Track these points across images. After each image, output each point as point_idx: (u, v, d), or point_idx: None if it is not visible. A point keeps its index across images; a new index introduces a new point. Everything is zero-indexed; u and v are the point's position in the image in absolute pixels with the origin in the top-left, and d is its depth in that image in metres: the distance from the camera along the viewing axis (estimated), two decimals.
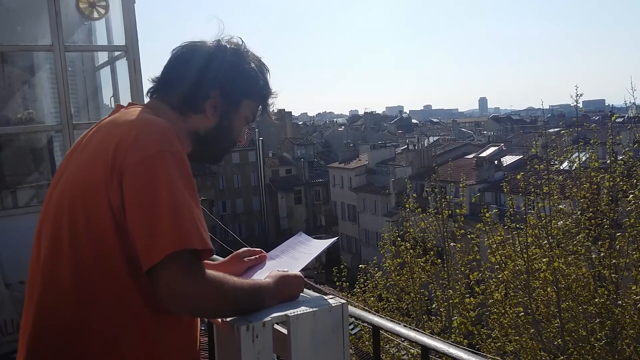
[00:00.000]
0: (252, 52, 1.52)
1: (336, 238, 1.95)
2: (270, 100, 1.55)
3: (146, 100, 1.54)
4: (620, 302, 8.76)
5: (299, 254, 1.62)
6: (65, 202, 1.33)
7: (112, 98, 4.41)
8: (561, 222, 9.66)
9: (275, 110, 1.59)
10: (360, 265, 14.61)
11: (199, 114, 1.47)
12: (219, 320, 1.40)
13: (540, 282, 9.42)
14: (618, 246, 9.10)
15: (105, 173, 1.27)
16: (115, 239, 1.26)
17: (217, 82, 1.46)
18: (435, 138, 51.47)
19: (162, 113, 1.44)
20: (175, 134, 1.34)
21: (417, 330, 2.04)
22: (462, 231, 12.11)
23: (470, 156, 36.52)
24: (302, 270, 1.52)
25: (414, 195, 14.47)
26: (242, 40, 1.52)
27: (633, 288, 8.91)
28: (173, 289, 1.21)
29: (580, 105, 10.97)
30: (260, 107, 1.56)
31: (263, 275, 1.48)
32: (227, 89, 1.47)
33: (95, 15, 4.05)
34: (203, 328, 1.99)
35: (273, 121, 1.67)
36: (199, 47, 1.49)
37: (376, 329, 1.89)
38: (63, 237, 1.31)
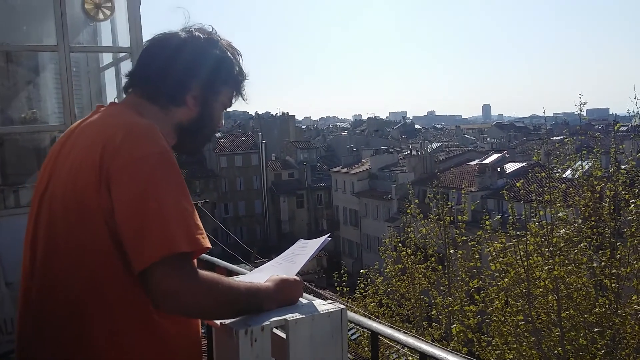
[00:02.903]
0: (224, 39, 1.52)
1: (328, 235, 1.93)
2: (243, 85, 1.57)
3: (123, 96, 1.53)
4: (620, 311, 8.74)
5: (296, 257, 1.63)
6: (58, 209, 1.33)
7: (116, 99, 4.41)
8: (563, 230, 9.65)
9: (247, 93, 1.59)
10: (361, 270, 14.61)
11: (181, 107, 1.48)
12: (217, 322, 1.40)
13: (541, 290, 9.40)
14: (619, 255, 9.07)
15: (94, 178, 1.27)
16: (109, 242, 1.27)
17: (196, 73, 1.46)
18: (439, 144, 51.35)
19: (144, 110, 1.44)
20: (159, 133, 1.33)
21: (416, 337, 2.04)
22: (464, 238, 12.10)
23: (473, 163, 36.47)
24: (302, 275, 1.52)
25: (416, 201, 14.48)
26: (212, 27, 1.52)
27: (634, 298, 8.90)
28: (163, 288, 1.21)
29: (584, 113, 10.98)
30: (234, 92, 1.56)
31: (262, 280, 1.47)
32: (206, 79, 1.47)
33: (101, 16, 4.06)
34: (203, 331, 1.99)
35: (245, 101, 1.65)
36: (172, 39, 1.48)
37: (374, 334, 1.89)
38: (60, 242, 1.31)
